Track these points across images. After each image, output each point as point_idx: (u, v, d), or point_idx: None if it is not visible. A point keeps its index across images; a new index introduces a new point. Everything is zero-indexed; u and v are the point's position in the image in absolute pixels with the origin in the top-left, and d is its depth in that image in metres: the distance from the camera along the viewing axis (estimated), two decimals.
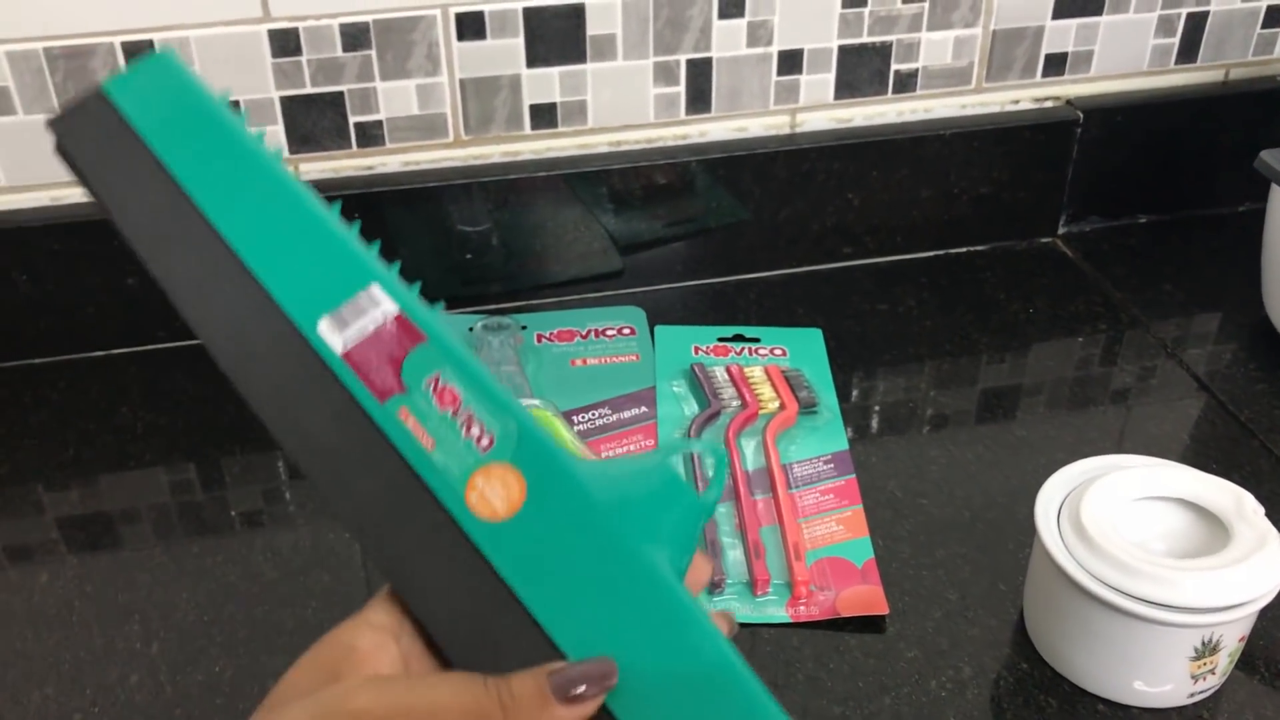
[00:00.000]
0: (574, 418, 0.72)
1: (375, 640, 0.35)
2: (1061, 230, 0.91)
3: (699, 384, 0.74)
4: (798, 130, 0.84)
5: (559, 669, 0.34)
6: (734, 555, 0.63)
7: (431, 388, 0.35)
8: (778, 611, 0.60)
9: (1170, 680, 0.54)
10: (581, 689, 0.33)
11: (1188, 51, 0.88)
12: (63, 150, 0.36)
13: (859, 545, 0.64)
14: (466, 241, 0.80)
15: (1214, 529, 0.55)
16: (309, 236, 0.36)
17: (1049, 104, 0.88)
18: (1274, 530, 0.54)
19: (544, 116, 0.79)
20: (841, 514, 0.66)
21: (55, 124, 0.37)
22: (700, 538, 0.52)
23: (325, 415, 0.35)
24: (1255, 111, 0.89)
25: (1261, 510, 0.55)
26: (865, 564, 0.62)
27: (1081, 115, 0.86)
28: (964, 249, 0.89)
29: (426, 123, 0.77)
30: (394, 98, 0.76)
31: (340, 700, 0.33)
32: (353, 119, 0.76)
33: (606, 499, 0.35)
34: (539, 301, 0.83)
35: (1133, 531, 0.55)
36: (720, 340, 0.79)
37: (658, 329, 0.80)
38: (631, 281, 0.84)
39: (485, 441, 0.35)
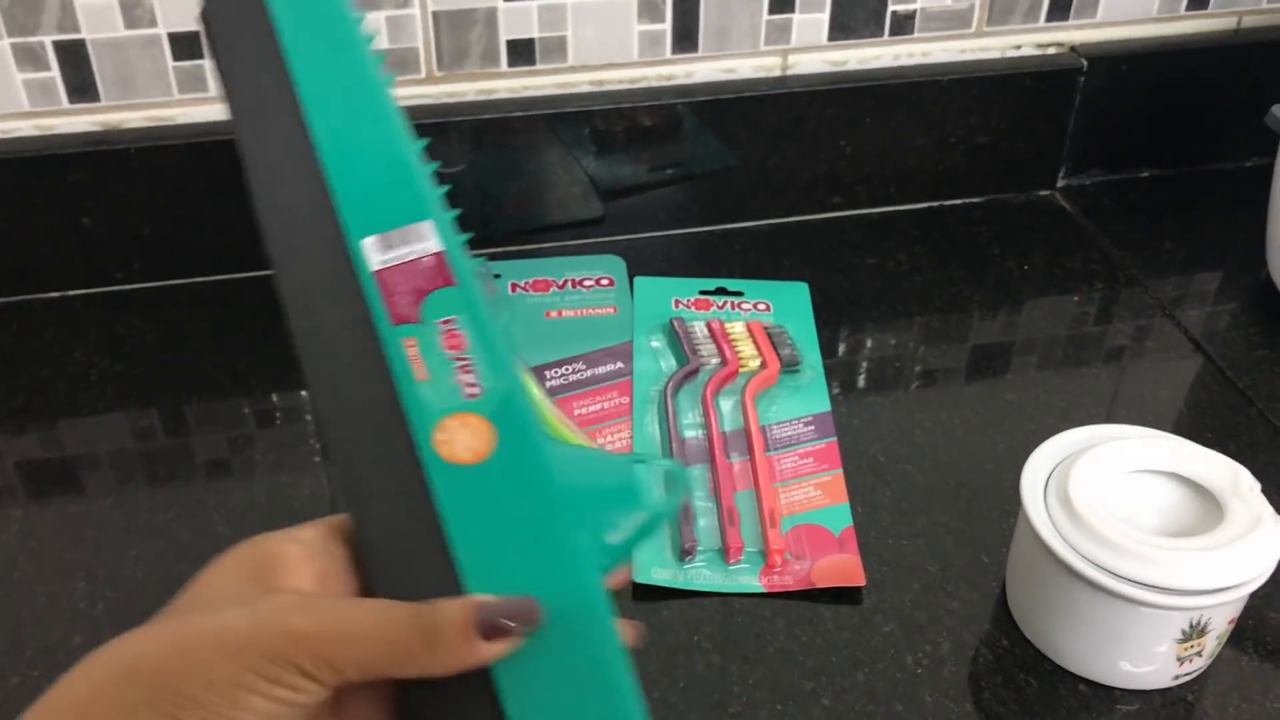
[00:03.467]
0: (546, 373, 0.69)
1: (300, 554, 0.35)
2: (1061, 183, 0.87)
3: (678, 340, 0.71)
4: (789, 73, 0.80)
5: (488, 602, 0.34)
6: (707, 522, 0.60)
7: (443, 327, 0.37)
8: (751, 580, 0.58)
9: (1155, 662, 0.51)
10: (507, 625, 0.34)
11: None
12: (205, 21, 0.39)
13: (837, 512, 0.61)
14: (438, 183, 0.76)
15: (1208, 505, 0.53)
16: (387, 159, 0.38)
17: (1052, 50, 0.84)
18: (1270, 509, 0.51)
19: (521, 53, 0.75)
20: (820, 479, 0.63)
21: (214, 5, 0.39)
22: (673, 510, 0.50)
23: (339, 319, 0.37)
24: (1266, 63, 0.85)
25: (1258, 487, 0.52)
26: (843, 532, 0.60)
27: (1085, 63, 0.82)
28: (959, 201, 0.86)
29: (397, 57, 0.74)
30: None
31: (279, 617, 0.32)
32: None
33: (565, 482, 0.36)
34: (515, 248, 0.80)
35: (1122, 507, 0.53)
36: (702, 293, 0.76)
37: (637, 280, 0.77)
38: (612, 229, 0.81)
39: (473, 390, 0.37)
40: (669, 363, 0.70)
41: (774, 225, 0.83)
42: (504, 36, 0.74)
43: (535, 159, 0.77)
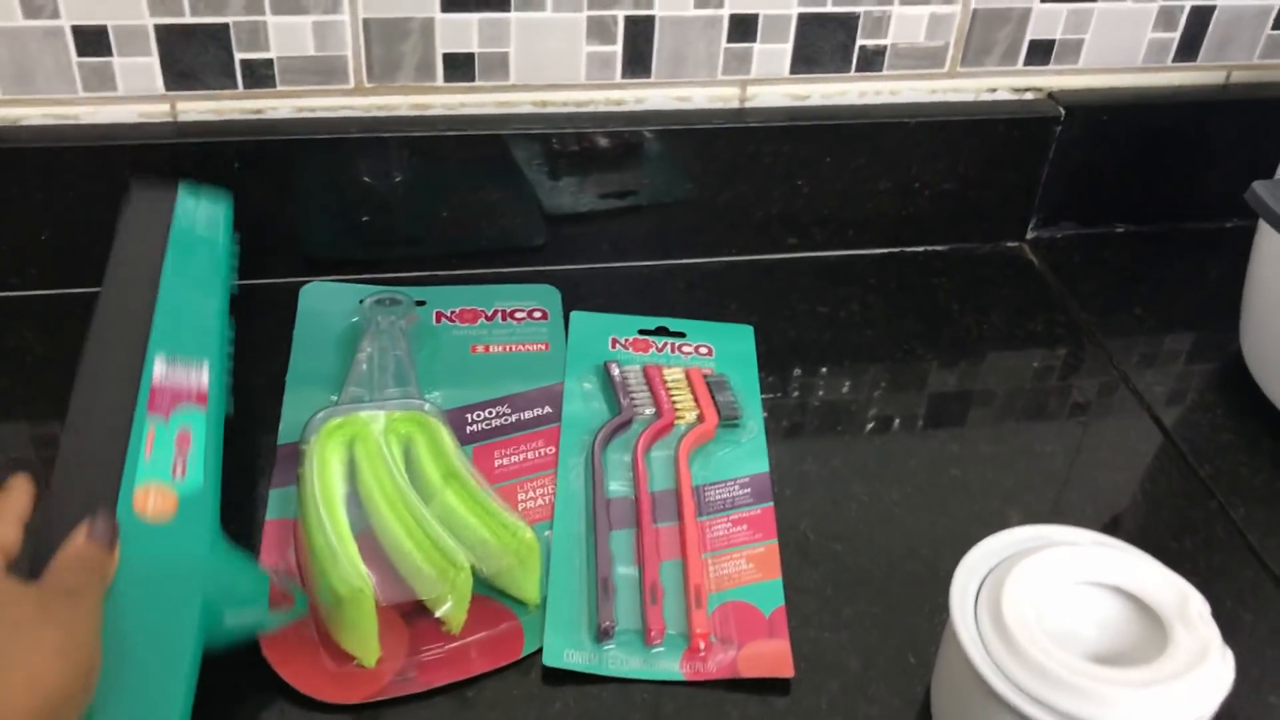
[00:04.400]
0: (468, 415, 0.64)
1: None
2: (1030, 235, 0.83)
3: (611, 385, 0.66)
4: (747, 105, 0.75)
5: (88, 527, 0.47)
6: (628, 597, 0.55)
7: (180, 430, 0.52)
8: (671, 666, 0.53)
9: None
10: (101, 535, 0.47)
11: (1188, 48, 0.79)
12: (128, 198, 0.62)
13: (769, 589, 0.57)
14: (366, 201, 0.71)
15: (1152, 626, 0.48)
16: (202, 317, 0.57)
17: (1029, 95, 0.79)
18: (1217, 640, 0.47)
19: (460, 68, 0.70)
20: (753, 549, 0.58)
21: (138, 185, 0.63)
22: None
23: (116, 392, 0.52)
24: (1255, 120, 0.80)
25: (1207, 612, 0.48)
26: (774, 613, 0.55)
27: (1063, 111, 0.78)
28: (921, 248, 0.81)
29: (324, 65, 0.68)
30: (287, 35, 0.67)
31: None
32: (239, 55, 0.67)
33: (211, 560, 0.49)
34: (445, 272, 0.75)
35: (1060, 622, 0.48)
36: (641, 332, 0.71)
37: (573, 315, 0.72)
38: (550, 258, 0.76)
39: (179, 474, 0.51)
40: (600, 408, 0.66)
41: (723, 264, 0.78)
42: (441, 49, 0.69)
43: (471, 180, 0.72)
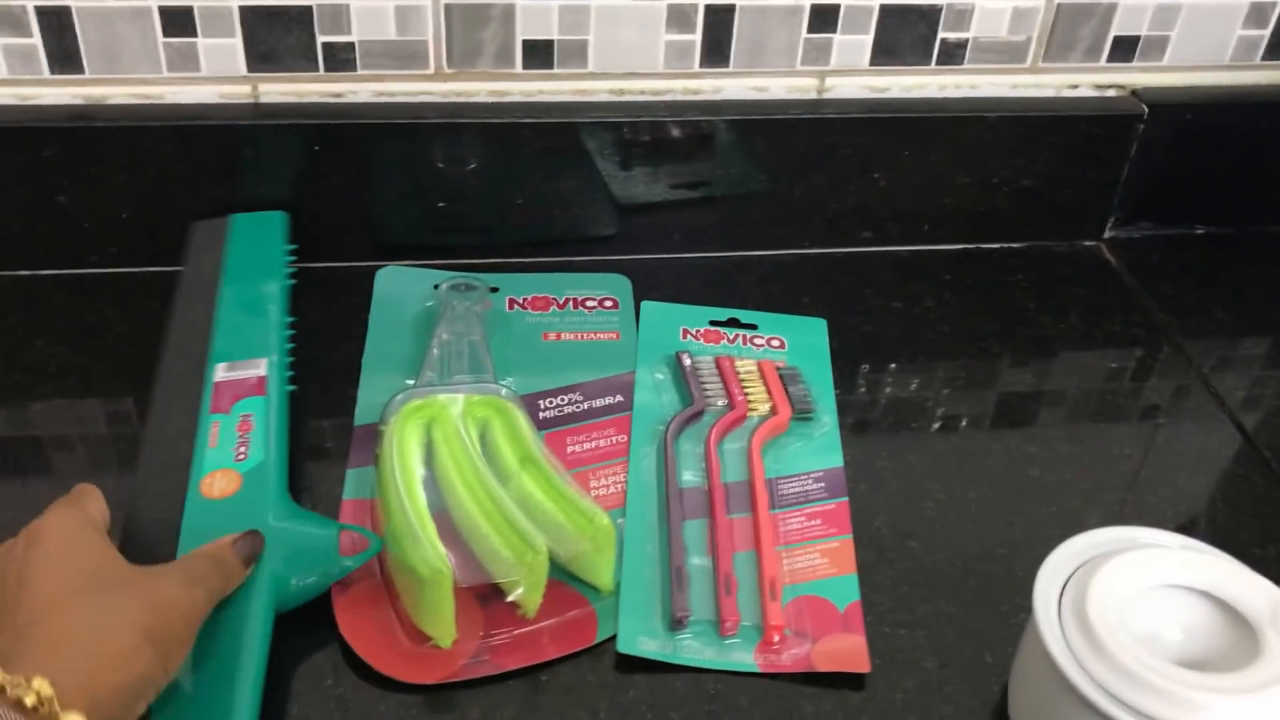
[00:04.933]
0: (540, 402, 0.64)
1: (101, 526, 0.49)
2: (1108, 234, 0.81)
3: (683, 376, 0.66)
4: (825, 96, 0.75)
5: (235, 537, 0.50)
6: (702, 587, 0.55)
7: (240, 418, 0.57)
8: (745, 658, 0.52)
9: None
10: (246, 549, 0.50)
11: (1278, 47, 0.77)
12: (191, 234, 0.68)
13: (844, 584, 0.56)
14: (442, 187, 0.71)
15: (1242, 633, 0.47)
16: (259, 324, 0.63)
17: (1111, 93, 0.78)
18: None
19: (539, 55, 0.70)
20: (828, 544, 0.58)
21: (197, 223, 0.69)
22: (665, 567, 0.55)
23: (183, 402, 0.58)
24: None
25: None
26: (848, 608, 0.55)
27: (1146, 109, 0.76)
28: (997, 245, 0.80)
29: (405, 50, 0.69)
30: (369, 19, 0.67)
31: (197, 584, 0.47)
32: (321, 38, 0.67)
33: (275, 525, 0.52)
34: (518, 260, 0.75)
35: (1145, 626, 0.47)
36: (712, 324, 0.70)
37: (644, 305, 0.71)
38: (622, 248, 0.76)
39: (241, 455, 0.55)
40: (671, 399, 0.65)
41: (796, 256, 0.78)
42: (521, 36, 0.69)
43: (546, 168, 0.72)
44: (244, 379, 0.59)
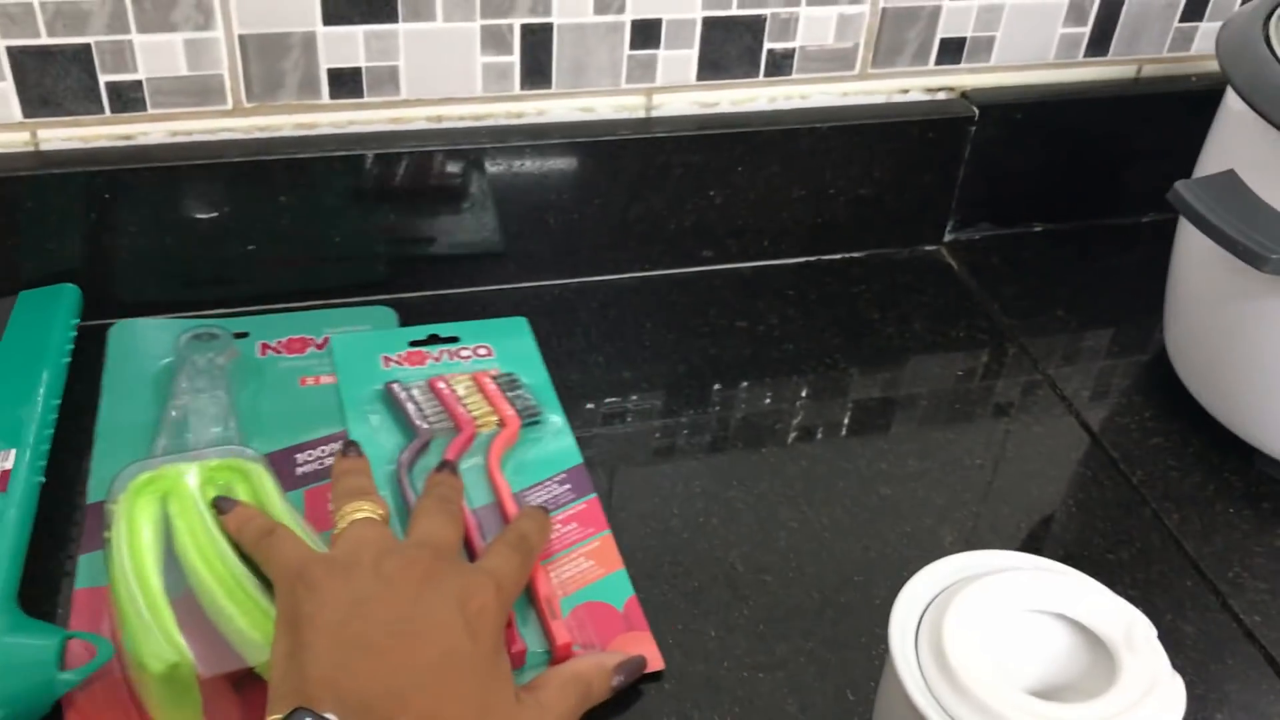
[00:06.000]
0: (296, 456, 0.58)
1: None
2: (948, 237, 0.81)
3: (399, 408, 0.61)
4: (653, 114, 0.72)
5: (618, 659, 0.51)
6: None
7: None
8: None
9: None
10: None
11: (1099, 43, 0.78)
12: None
13: (615, 581, 0.54)
14: (242, 229, 0.66)
15: (1099, 655, 0.46)
16: (13, 412, 0.57)
17: (942, 96, 0.77)
18: (1166, 666, 0.45)
19: (345, 84, 0.66)
20: (589, 546, 0.56)
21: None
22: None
23: None
24: (1167, 114, 0.79)
25: (1154, 635, 0.46)
26: (626, 605, 0.53)
27: (977, 111, 0.76)
28: (838, 256, 0.78)
29: (198, 85, 0.64)
30: (156, 54, 0.62)
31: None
32: (104, 78, 0.62)
33: None
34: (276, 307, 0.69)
35: (1005, 650, 0.46)
36: (412, 344, 0.66)
37: (333, 340, 0.65)
38: (460, 279, 0.72)
39: None
40: (394, 436, 0.60)
41: (637, 279, 0.75)
42: (325, 65, 0.65)
43: (363, 202, 0.68)
44: None
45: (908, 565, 0.48)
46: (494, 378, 0.63)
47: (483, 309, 0.71)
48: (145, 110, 0.64)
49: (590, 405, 0.65)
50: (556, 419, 0.62)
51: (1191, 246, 0.65)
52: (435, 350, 0.66)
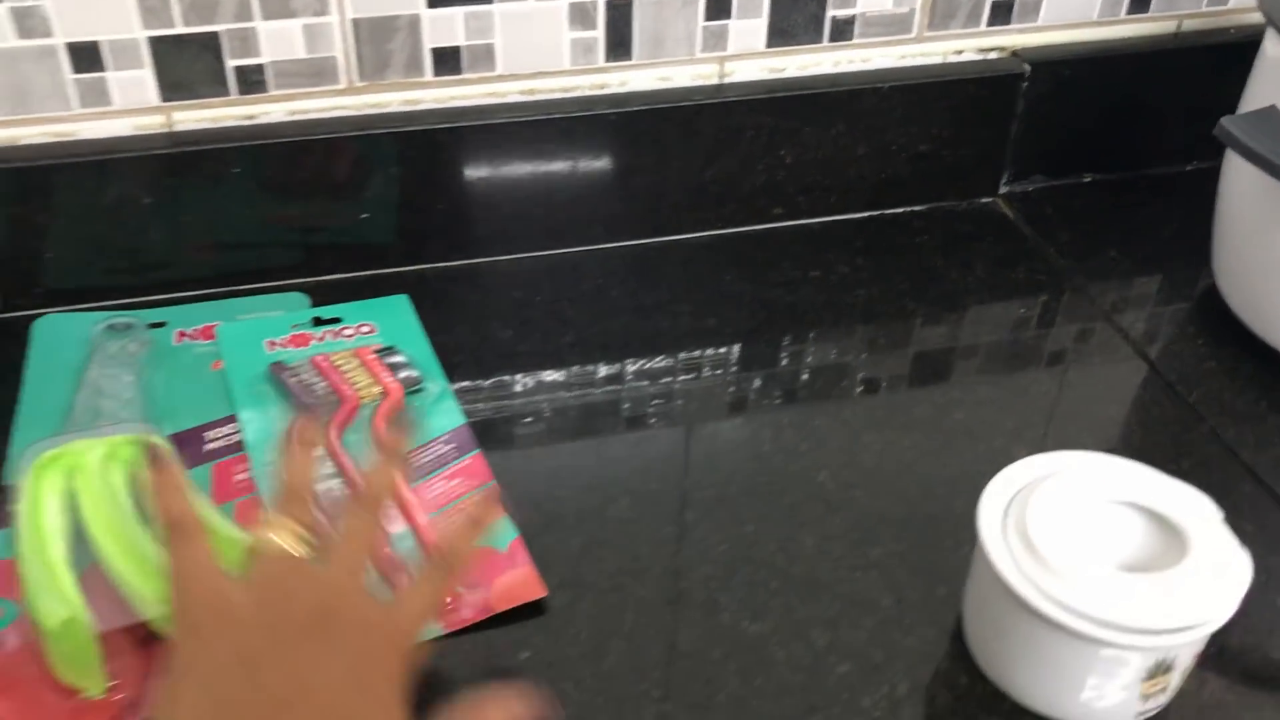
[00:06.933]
0: (205, 434, 0.62)
1: None
2: (1003, 189, 0.86)
3: (285, 387, 0.65)
4: (726, 81, 0.77)
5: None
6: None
7: None
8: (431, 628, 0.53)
9: (1119, 699, 0.49)
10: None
11: (1139, 1, 0.83)
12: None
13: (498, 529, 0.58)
14: (349, 199, 0.73)
15: (1170, 537, 0.51)
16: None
17: (994, 55, 0.82)
18: (1233, 541, 0.50)
19: (448, 61, 0.72)
20: (475, 498, 0.59)
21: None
22: None
23: None
24: (1207, 66, 0.84)
25: (1220, 516, 0.51)
26: (510, 546, 0.57)
27: (1028, 68, 0.81)
28: (900, 209, 0.84)
29: (314, 67, 0.70)
30: (277, 39, 0.68)
31: None
32: (231, 63, 0.68)
33: None
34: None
35: (1083, 540, 0.51)
36: (294, 329, 0.69)
37: (219, 328, 0.69)
38: (548, 241, 0.78)
39: None
40: (282, 414, 0.64)
41: (713, 237, 0.80)
42: (428, 44, 0.71)
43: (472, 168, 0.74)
44: None
45: (984, 479, 0.53)
46: (375, 350, 0.67)
47: (573, 269, 0.76)
48: (267, 91, 0.70)
49: (683, 354, 0.70)
50: (437, 385, 0.66)
51: (1238, 179, 0.69)
52: (319, 331, 0.69)
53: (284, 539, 0.45)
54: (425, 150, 0.72)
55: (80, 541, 0.53)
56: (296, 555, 0.45)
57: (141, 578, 0.51)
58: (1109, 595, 0.47)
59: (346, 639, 0.42)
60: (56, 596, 0.49)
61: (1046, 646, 0.49)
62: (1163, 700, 0.51)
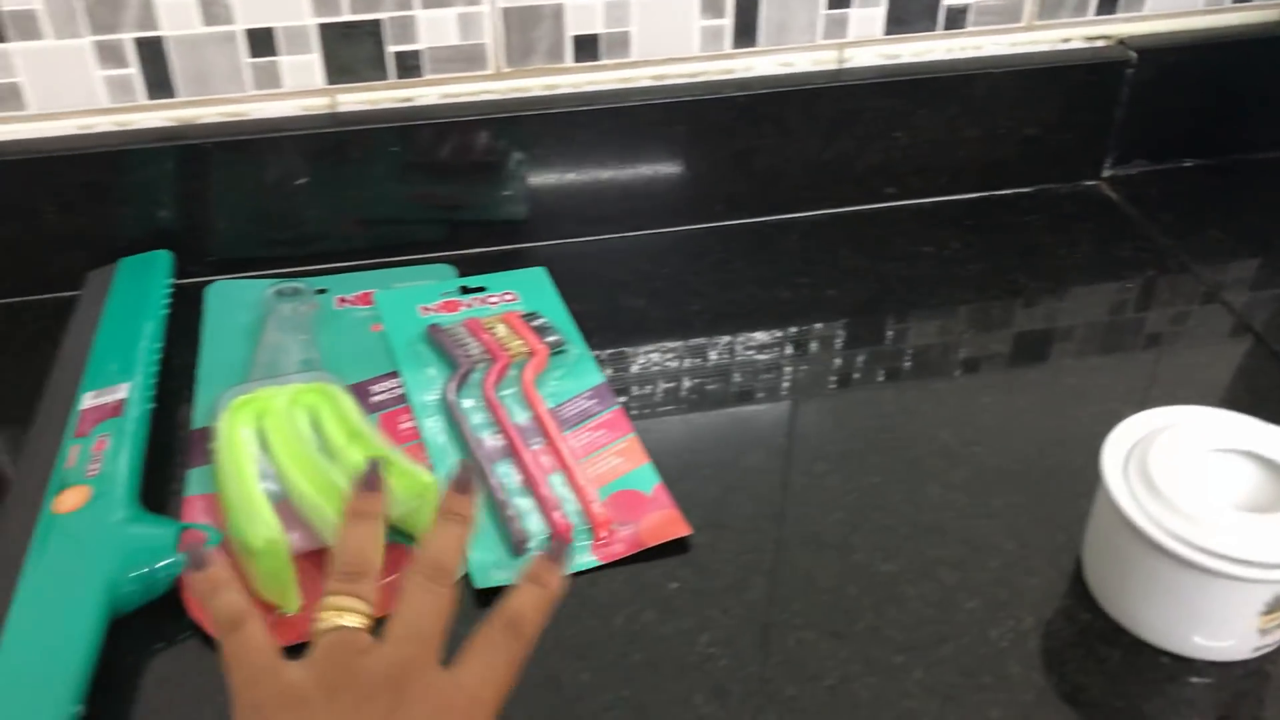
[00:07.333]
0: (370, 388, 0.68)
1: None
2: (1106, 173, 0.89)
3: (441, 345, 0.70)
4: (844, 66, 0.82)
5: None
6: (529, 513, 0.60)
7: (98, 439, 0.61)
8: (586, 559, 0.58)
9: (1237, 634, 0.53)
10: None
11: None
12: (85, 281, 0.75)
13: (643, 473, 0.63)
14: (493, 178, 0.78)
15: None
16: (125, 354, 0.67)
17: (1100, 43, 0.86)
18: None
19: (586, 48, 0.77)
20: (618, 446, 0.65)
21: (91, 272, 0.75)
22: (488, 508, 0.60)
23: (51, 431, 0.62)
24: None
25: None
26: (655, 490, 0.62)
27: (1134, 55, 0.84)
28: (1008, 191, 0.87)
29: (466, 53, 0.75)
30: (434, 27, 0.74)
31: None
32: (391, 48, 0.74)
33: (119, 530, 0.56)
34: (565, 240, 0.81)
35: (1201, 484, 0.54)
36: (444, 296, 0.75)
37: (377, 295, 0.75)
38: (674, 218, 0.82)
39: (93, 470, 0.59)
40: (440, 369, 0.70)
41: (829, 215, 0.85)
42: (570, 32, 0.76)
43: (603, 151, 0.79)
44: (106, 403, 0.63)
45: (1097, 438, 0.57)
46: (521, 315, 0.73)
47: (697, 245, 0.81)
48: (422, 75, 0.75)
49: (805, 322, 0.75)
50: (577, 348, 0.71)
51: None
52: (467, 299, 0.75)
53: (344, 616, 0.43)
54: (562, 132, 0.77)
55: (269, 478, 0.59)
56: (358, 631, 0.43)
57: (329, 505, 0.56)
58: (1228, 532, 0.51)
59: (414, 713, 0.41)
60: (260, 520, 0.55)
61: (1169, 581, 0.52)
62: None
